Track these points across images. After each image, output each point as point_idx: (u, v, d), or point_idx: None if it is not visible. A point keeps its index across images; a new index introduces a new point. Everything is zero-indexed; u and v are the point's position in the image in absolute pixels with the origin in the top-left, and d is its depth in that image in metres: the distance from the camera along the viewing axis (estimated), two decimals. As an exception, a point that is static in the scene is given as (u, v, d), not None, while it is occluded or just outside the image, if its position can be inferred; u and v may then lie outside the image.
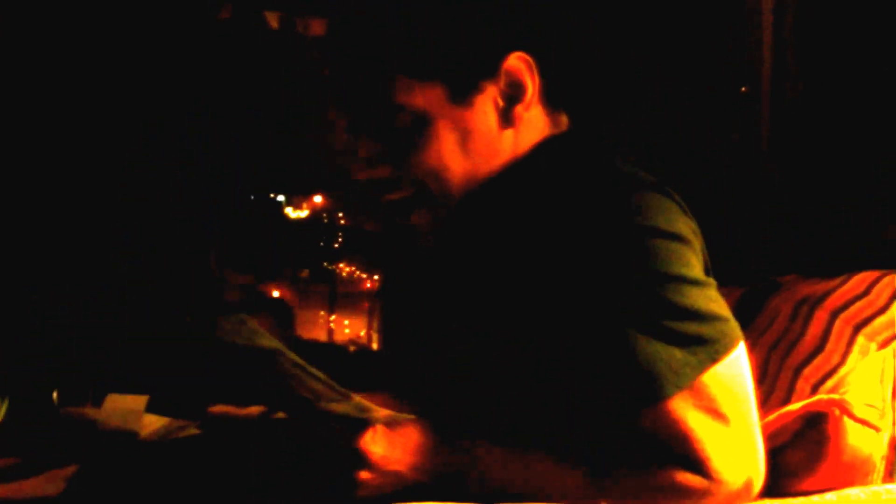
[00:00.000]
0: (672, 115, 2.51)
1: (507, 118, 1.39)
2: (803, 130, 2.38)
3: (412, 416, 1.26)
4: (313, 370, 1.22)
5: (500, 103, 1.39)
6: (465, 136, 1.37)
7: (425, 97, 1.35)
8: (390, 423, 1.24)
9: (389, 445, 1.23)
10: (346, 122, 1.44)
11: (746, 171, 2.47)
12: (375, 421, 1.22)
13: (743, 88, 2.53)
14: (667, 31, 2.54)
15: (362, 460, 1.22)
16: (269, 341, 1.26)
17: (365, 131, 1.41)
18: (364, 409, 1.21)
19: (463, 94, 1.37)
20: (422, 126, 1.36)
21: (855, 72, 2.26)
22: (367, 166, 1.41)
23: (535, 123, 1.42)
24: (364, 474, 1.23)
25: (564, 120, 1.47)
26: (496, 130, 1.39)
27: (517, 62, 1.38)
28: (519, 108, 1.39)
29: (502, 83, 1.38)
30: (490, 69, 1.37)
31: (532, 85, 1.39)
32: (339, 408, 1.21)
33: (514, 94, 1.39)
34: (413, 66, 1.35)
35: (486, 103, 1.38)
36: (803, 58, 2.42)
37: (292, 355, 1.21)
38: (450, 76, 1.36)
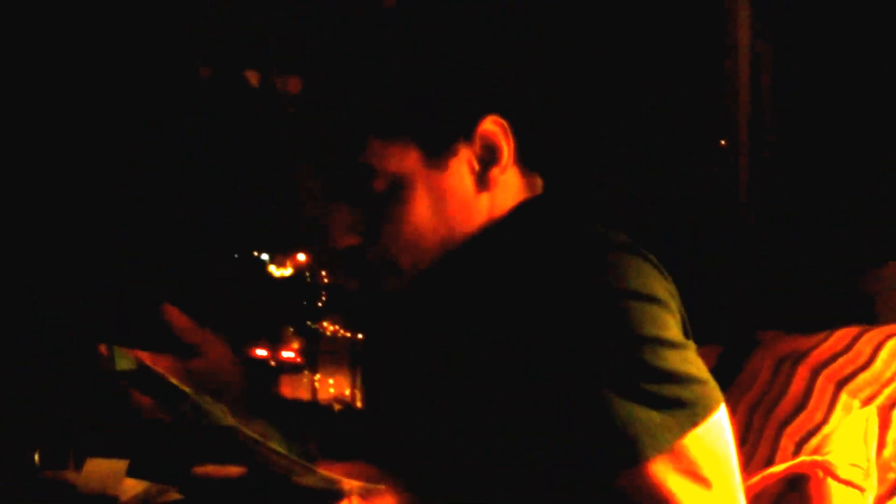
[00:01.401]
0: (650, 171, 2.52)
1: (482, 181, 1.38)
2: (781, 183, 2.40)
3: (385, 487, 1.24)
4: (273, 445, 1.20)
5: (476, 166, 1.38)
6: (440, 200, 1.36)
7: (399, 160, 1.34)
8: (365, 494, 1.22)
9: None
10: (319, 187, 1.42)
11: (725, 225, 2.48)
12: (349, 492, 1.21)
13: (722, 142, 2.54)
14: (645, 88, 2.56)
15: None
16: (225, 418, 1.23)
17: (340, 197, 1.39)
18: (331, 482, 1.19)
19: (437, 154, 1.36)
20: (396, 190, 1.35)
21: (832, 124, 2.27)
22: (344, 233, 1.39)
23: (510, 186, 1.41)
24: None
25: (539, 182, 1.46)
26: (472, 194, 1.38)
27: (492, 126, 1.37)
28: (495, 171, 1.38)
29: (477, 146, 1.38)
30: (465, 131, 1.37)
31: (507, 148, 1.38)
32: (307, 480, 1.19)
33: (488, 158, 1.38)
34: (386, 126, 1.34)
35: (461, 166, 1.37)
36: (780, 111, 2.44)
37: (249, 431, 1.19)
38: (424, 137, 1.35)
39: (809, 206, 2.31)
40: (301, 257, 4.71)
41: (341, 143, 1.36)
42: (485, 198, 1.39)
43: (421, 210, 1.35)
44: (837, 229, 2.23)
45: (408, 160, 1.35)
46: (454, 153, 1.37)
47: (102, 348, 1.28)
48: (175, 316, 1.48)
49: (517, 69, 1.44)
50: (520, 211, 1.41)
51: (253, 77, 4.04)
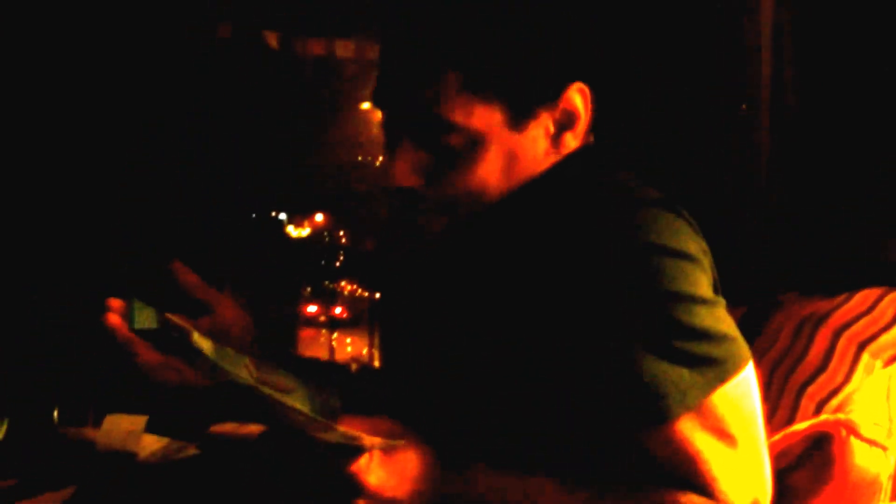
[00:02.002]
0: (671, 135, 2.50)
1: (555, 145, 1.38)
2: (803, 148, 2.38)
3: (408, 442, 1.24)
4: (294, 401, 1.19)
5: (552, 130, 1.37)
6: (511, 161, 1.35)
7: (482, 119, 1.32)
8: (386, 450, 1.22)
9: (386, 472, 1.21)
10: (386, 126, 1.39)
11: (746, 188, 2.47)
12: (370, 447, 1.20)
13: (742, 107, 2.53)
14: (666, 51, 2.54)
15: (358, 488, 1.20)
16: (244, 375, 1.23)
17: (411, 140, 1.36)
18: (352, 438, 1.19)
19: (520, 119, 1.34)
20: (472, 147, 1.33)
21: (855, 87, 2.25)
22: (407, 175, 1.36)
23: (574, 148, 1.40)
24: (359, 502, 1.21)
25: (592, 141, 1.45)
26: (542, 156, 1.37)
27: (577, 93, 1.37)
28: (568, 136, 1.38)
29: (558, 112, 1.37)
30: (552, 97, 1.36)
31: (586, 115, 1.38)
32: (328, 437, 1.19)
33: (566, 123, 1.37)
34: (479, 83, 1.32)
35: (538, 130, 1.36)
36: (802, 75, 2.42)
37: (268, 390, 1.18)
38: (514, 99, 1.33)
39: (831, 170, 2.29)
40: (319, 218, 4.72)
41: (425, 91, 1.33)
42: (552, 160, 1.38)
43: (491, 168, 1.34)
44: (860, 194, 2.22)
45: (490, 119, 1.33)
46: (536, 116, 1.36)
47: (117, 303, 1.27)
48: (185, 273, 1.48)
49: (599, 38, 1.43)
50: (558, 167, 1.39)
51: (272, 38, 4.03)
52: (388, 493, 1.21)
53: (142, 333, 1.27)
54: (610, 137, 1.49)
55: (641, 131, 2.48)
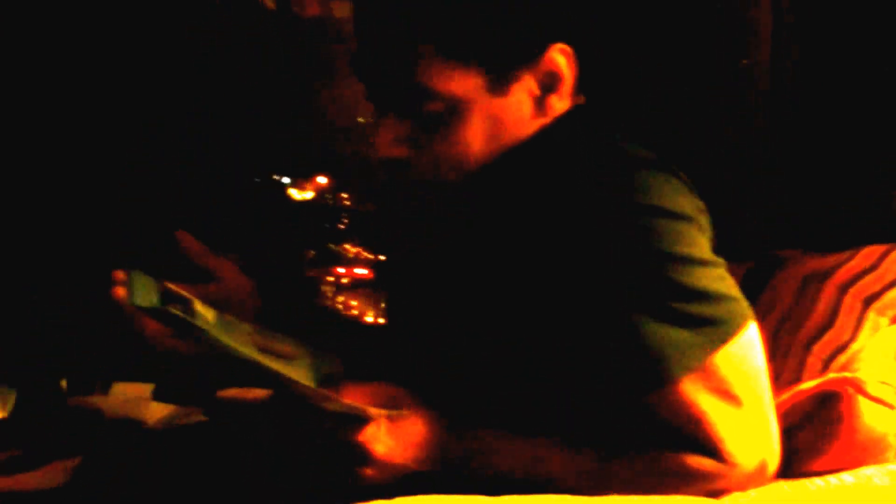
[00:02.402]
0: (671, 90, 2.49)
1: (540, 107, 1.37)
2: (804, 102, 2.37)
3: (412, 409, 1.24)
4: (294, 374, 1.20)
5: (536, 92, 1.36)
6: (496, 126, 1.34)
7: (461, 84, 1.31)
8: (392, 417, 1.22)
9: (393, 440, 1.22)
10: (368, 98, 1.39)
11: (747, 144, 2.46)
12: (375, 417, 1.21)
13: (743, 61, 2.51)
14: (665, 5, 2.52)
15: (365, 456, 1.21)
16: (246, 347, 1.23)
17: (392, 110, 1.36)
18: (356, 409, 1.19)
19: (501, 82, 1.33)
20: (454, 113, 1.32)
21: (858, 36, 2.24)
22: (391, 145, 1.37)
23: (561, 110, 1.39)
24: (367, 471, 1.21)
25: (582, 100, 1.45)
26: (527, 119, 1.37)
27: (558, 54, 1.35)
28: (553, 98, 1.37)
29: (541, 73, 1.36)
30: (531, 58, 1.35)
31: (570, 76, 1.37)
32: (331, 406, 1.19)
33: (549, 84, 1.36)
34: (454, 48, 1.31)
35: (522, 92, 1.35)
36: (803, 28, 2.41)
37: (269, 361, 1.19)
38: (490, 63, 1.32)
39: (833, 125, 2.28)
40: (322, 180, 4.70)
41: (402, 60, 1.33)
42: (537, 123, 1.38)
43: (475, 133, 1.34)
44: (863, 149, 2.21)
45: (469, 84, 1.32)
46: (517, 79, 1.35)
47: (120, 275, 1.27)
48: (189, 241, 1.48)
49: None
50: (552, 128, 1.39)
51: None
52: (396, 461, 1.22)
53: (143, 311, 1.26)
54: (606, 94, 1.48)
55: (640, 87, 2.47)
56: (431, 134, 1.34)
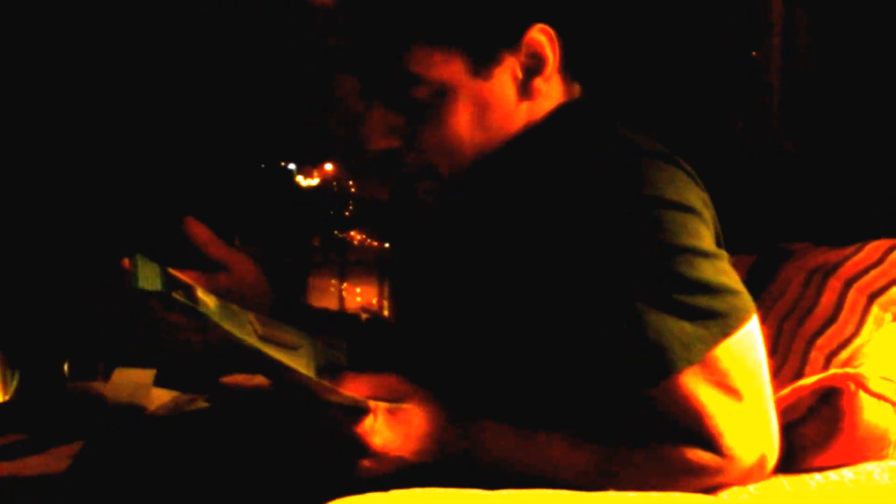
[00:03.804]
0: (681, 81, 2.49)
1: (525, 90, 1.37)
2: (814, 95, 2.36)
3: (413, 401, 1.24)
4: (295, 364, 1.20)
5: (519, 75, 1.36)
6: (482, 109, 1.35)
7: (444, 69, 1.32)
8: (392, 409, 1.22)
9: (391, 432, 1.21)
10: (358, 88, 1.40)
11: (756, 136, 2.45)
12: (376, 407, 1.21)
13: (753, 53, 2.51)
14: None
15: (362, 448, 1.21)
16: (250, 336, 1.23)
17: (380, 100, 1.37)
18: (357, 401, 1.19)
19: (483, 65, 1.34)
20: (439, 99, 1.33)
21: (868, 29, 2.23)
22: (381, 136, 1.38)
23: (551, 94, 1.39)
24: (365, 462, 1.21)
25: (578, 89, 1.44)
26: (514, 103, 1.37)
27: (539, 34, 1.35)
28: (538, 81, 1.37)
29: (522, 55, 1.35)
30: (512, 40, 1.35)
31: (553, 57, 1.36)
32: (332, 398, 1.19)
33: (533, 66, 1.36)
34: (434, 33, 1.32)
35: (505, 75, 1.35)
36: (814, 21, 2.40)
37: (272, 351, 1.19)
38: (471, 46, 1.33)
39: (843, 117, 2.27)
40: (328, 167, 4.70)
41: (384, 48, 1.34)
42: (525, 106, 1.38)
43: (462, 118, 1.34)
44: (872, 142, 2.20)
45: (452, 68, 1.33)
46: (499, 62, 1.35)
47: (126, 262, 1.26)
48: (198, 230, 1.47)
49: None
50: (556, 117, 1.39)
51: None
52: (394, 453, 1.22)
53: (145, 296, 1.25)
54: (615, 85, 1.48)
55: (650, 78, 2.46)
56: (419, 122, 1.35)
